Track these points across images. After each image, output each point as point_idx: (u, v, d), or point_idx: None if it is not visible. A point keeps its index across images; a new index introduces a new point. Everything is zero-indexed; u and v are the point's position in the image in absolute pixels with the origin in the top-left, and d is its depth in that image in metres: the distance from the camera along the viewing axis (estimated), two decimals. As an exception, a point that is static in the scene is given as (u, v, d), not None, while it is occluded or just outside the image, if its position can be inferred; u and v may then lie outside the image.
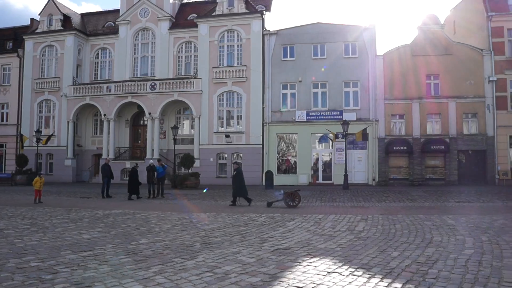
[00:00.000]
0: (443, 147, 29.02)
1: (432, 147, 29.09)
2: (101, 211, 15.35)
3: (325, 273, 6.24)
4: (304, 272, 6.34)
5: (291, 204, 15.97)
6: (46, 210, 15.52)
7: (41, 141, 33.28)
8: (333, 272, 6.29)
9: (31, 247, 8.49)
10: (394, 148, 29.44)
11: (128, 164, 34.38)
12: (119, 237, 9.66)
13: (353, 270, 6.39)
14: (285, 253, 7.72)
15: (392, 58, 30.53)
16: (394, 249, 7.87)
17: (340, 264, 6.76)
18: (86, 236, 9.89)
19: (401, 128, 30.37)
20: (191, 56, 35.25)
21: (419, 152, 29.40)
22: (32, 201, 18.81)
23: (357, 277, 6.05)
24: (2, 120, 39.33)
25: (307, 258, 7.22)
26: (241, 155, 32.15)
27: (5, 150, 39.02)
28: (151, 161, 23.30)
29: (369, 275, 6.10)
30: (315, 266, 6.66)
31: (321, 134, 30.46)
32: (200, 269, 6.60)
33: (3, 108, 39.39)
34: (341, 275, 6.15)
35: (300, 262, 6.93)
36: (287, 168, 31.89)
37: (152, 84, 33.64)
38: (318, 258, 7.22)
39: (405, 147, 29.32)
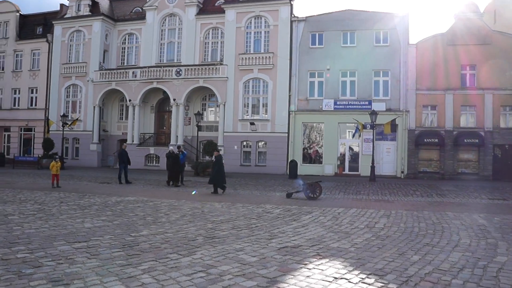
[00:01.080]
0: (477, 140, 27.56)
1: (465, 140, 27.66)
2: (115, 197, 14.96)
3: (331, 279, 5.49)
4: (308, 276, 5.61)
5: (312, 195, 15.21)
6: (61, 195, 15.23)
7: (67, 125, 33.36)
8: (341, 278, 5.53)
9: (26, 236, 8.03)
10: (425, 140, 28.13)
11: (152, 150, 34.24)
12: (121, 227, 9.14)
13: (364, 276, 5.62)
14: (292, 252, 7.00)
15: (426, 47, 29.09)
16: (414, 252, 7.03)
17: (351, 269, 5.98)
18: (88, 225, 9.41)
19: (433, 120, 29.00)
20: (217, 42, 34.59)
21: (451, 145, 28.02)
22: (50, 185, 18.60)
23: (367, 285, 5.28)
24: (32, 105, 39.77)
25: (315, 260, 6.48)
26: (265, 143, 31.44)
27: (34, 134, 39.49)
28: (171, 147, 22.86)
29: (381, 284, 5.32)
30: (322, 270, 5.91)
31: (348, 123, 29.41)
32: (193, 268, 5.96)
33: (32, 92, 39.77)
34: (349, 282, 5.39)
35: (306, 264, 6.20)
36: (313, 157, 30.99)
37: (178, 70, 33.20)
38: (327, 260, 6.47)
39: (436, 140, 27.99)
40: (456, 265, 6.22)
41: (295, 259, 6.49)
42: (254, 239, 8.00)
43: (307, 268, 5.99)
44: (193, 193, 14.60)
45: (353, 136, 29.51)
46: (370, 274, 5.73)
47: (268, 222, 10.08)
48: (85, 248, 7.17)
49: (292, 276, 5.60)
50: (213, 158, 18.38)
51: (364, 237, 8.31)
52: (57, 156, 22.10)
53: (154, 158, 34.29)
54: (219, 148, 28.20)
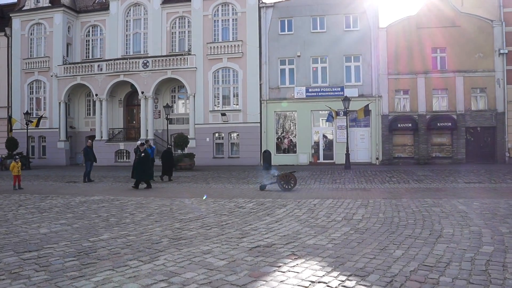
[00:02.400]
0: (450, 124, 27.54)
1: (438, 124, 27.61)
2: (80, 197, 14.10)
3: (307, 284, 4.91)
4: (282, 281, 5.01)
5: (286, 187, 14.66)
6: (21, 198, 14.27)
7: (31, 123, 31.94)
8: (319, 282, 4.95)
9: (-31, 247, 7.22)
10: (399, 125, 27.97)
11: (122, 146, 33.18)
12: (80, 231, 8.38)
13: (343, 278, 5.05)
14: (265, 252, 6.40)
15: (396, 31, 28.84)
16: (397, 246, 6.52)
17: (329, 269, 5.41)
18: (44, 230, 8.61)
19: (405, 105, 28.86)
20: (185, 32, 33.62)
21: (424, 129, 27.94)
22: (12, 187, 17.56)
23: (348, 289, 4.73)
24: (-7, 103, 38.02)
25: (289, 260, 5.89)
26: (238, 134, 30.79)
27: (-4, 134, 37.80)
28: (139, 142, 21.99)
29: (364, 287, 4.77)
30: (297, 273, 5.32)
31: (321, 111, 29.04)
32: (154, 277, 5.29)
33: (-7, 90, 38.00)
34: (328, 286, 4.81)
35: (279, 267, 5.60)
36: (287, 147, 30.49)
37: (145, 61, 32.14)
38: (303, 260, 5.88)
39: (410, 124, 27.86)
40: (442, 259, 5.73)
41: (268, 261, 5.89)
42: (224, 239, 7.37)
43: (281, 271, 5.39)
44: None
45: (328, 121, 29.03)
46: (350, 275, 5.16)
47: (240, 218, 9.46)
48: (35, 258, 6.41)
49: (264, 282, 4.99)
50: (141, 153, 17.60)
51: (342, 231, 7.77)
52: (17, 156, 20.93)
53: (125, 154, 33.25)
54: (145, 140, 26.15)
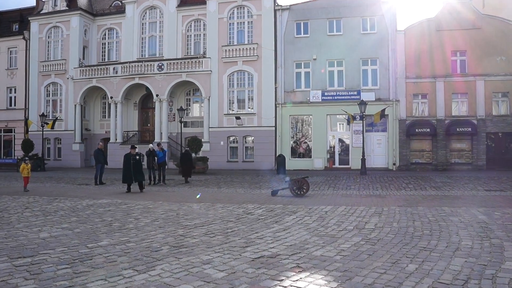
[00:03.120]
0: (470, 129, 26.74)
1: (458, 129, 26.83)
2: (87, 200, 13.90)
3: (310, 301, 4.51)
4: (282, 298, 4.62)
5: (298, 193, 14.23)
6: (29, 200, 14.13)
7: (46, 125, 32.07)
8: (322, 300, 4.55)
9: (-36, 251, 6.98)
10: (416, 130, 27.26)
11: (136, 149, 32.95)
12: (80, 236, 8.10)
13: (350, 296, 4.64)
14: (268, 263, 6.00)
15: (415, 34, 28.17)
16: (410, 260, 6.06)
17: (335, 285, 4.99)
18: (44, 234, 8.36)
19: (424, 109, 28.14)
20: (200, 34, 33.43)
21: (443, 134, 27.19)
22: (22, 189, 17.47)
23: (354, 308, 4.31)
24: (11, 105, 38.40)
25: (292, 274, 5.48)
26: (253, 138, 30.42)
27: (14, 135, 38.11)
28: (151, 145, 21.80)
29: (371, 306, 4.35)
30: (300, 288, 4.92)
31: (337, 115, 28.59)
32: (146, 290, 4.95)
33: (11, 92, 38.38)
34: (332, 305, 4.41)
35: (281, 281, 5.20)
36: (302, 151, 30.00)
37: (160, 64, 32.02)
38: (307, 274, 5.47)
39: (428, 129, 27.13)
40: (460, 276, 5.26)
41: (270, 274, 5.49)
42: (227, 248, 7.00)
43: (282, 286, 4.99)
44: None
45: (348, 123, 28.39)
46: (357, 292, 4.75)
47: (247, 225, 9.07)
48: (27, 265, 6.13)
49: (263, 299, 4.61)
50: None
51: (353, 241, 7.33)
52: (27, 158, 20.92)
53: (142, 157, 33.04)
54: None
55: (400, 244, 7.05)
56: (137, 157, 17.24)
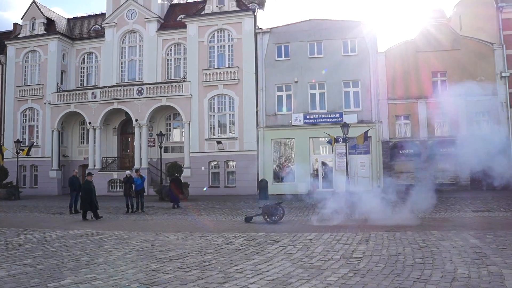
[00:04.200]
0: (452, 149, 26.53)
1: (441, 150, 26.63)
2: (58, 231, 13.09)
3: None
4: None
5: (269, 220, 13.57)
6: (-5, 232, 13.25)
7: (21, 152, 31.04)
8: None
9: None
10: (400, 151, 27.02)
11: (115, 175, 32.16)
12: (41, 274, 7.37)
13: None
14: (248, 302, 5.39)
15: (395, 55, 28.21)
16: (404, 294, 5.52)
17: (322, 329, 4.41)
18: (1, 273, 7.59)
19: (406, 130, 28.00)
20: (180, 58, 33.08)
21: (427, 155, 26.94)
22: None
23: None
24: (-15, 131, 37.23)
25: (274, 315, 4.88)
26: (235, 162, 29.83)
27: (-11, 163, 36.82)
28: (128, 171, 21.07)
29: None
30: (283, 334, 4.31)
31: (320, 138, 28.24)
32: None
33: (-15, 118, 37.28)
34: None
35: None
36: (285, 176, 29.44)
37: (139, 89, 31.45)
38: (291, 315, 4.88)
39: (411, 150, 26.89)
40: (461, 313, 4.72)
41: (249, 316, 4.88)
42: (203, 284, 6.36)
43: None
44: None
45: (330, 144, 28.01)
46: (348, 337, 4.16)
47: (226, 257, 8.43)
48: (-25, 312, 5.41)
49: None
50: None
51: (340, 273, 6.75)
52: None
53: (118, 184, 32.15)
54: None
55: (391, 275, 6.50)
56: (93, 184, 16.74)
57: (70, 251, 9.66)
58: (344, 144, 24.87)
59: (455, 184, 26.62)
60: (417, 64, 27.66)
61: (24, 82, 35.52)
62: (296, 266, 7.33)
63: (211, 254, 8.72)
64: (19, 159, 31.51)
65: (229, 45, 30.66)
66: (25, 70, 35.72)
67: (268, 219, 13.55)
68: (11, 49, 35.88)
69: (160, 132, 27.95)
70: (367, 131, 25.65)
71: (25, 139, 34.73)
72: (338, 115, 27.78)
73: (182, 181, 27.28)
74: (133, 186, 19.47)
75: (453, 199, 19.71)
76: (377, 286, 5.90)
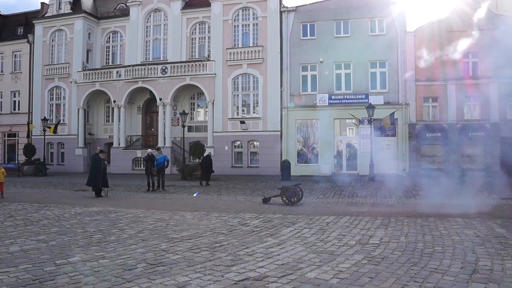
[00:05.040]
0: (483, 133, 25.69)
1: (470, 134, 25.78)
2: (77, 208, 13.18)
3: None
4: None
5: (288, 201, 13.31)
6: (18, 207, 13.42)
7: (48, 129, 31.55)
8: None
9: None
10: (427, 134, 26.24)
11: (139, 153, 32.37)
12: (52, 251, 7.33)
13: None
14: (252, 288, 5.17)
15: (425, 35, 27.22)
16: (419, 285, 5.18)
17: (326, 320, 4.15)
18: (14, 248, 7.59)
19: (435, 113, 27.15)
20: (205, 37, 32.74)
21: (455, 139, 26.11)
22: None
23: None
24: (14, 109, 38.00)
25: (278, 303, 4.65)
26: (258, 143, 29.60)
27: (18, 140, 37.67)
28: (150, 150, 21.05)
29: None
30: (284, 324, 4.08)
31: (344, 119, 27.73)
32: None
33: (15, 96, 38.00)
34: None
35: (263, 312, 4.37)
36: (309, 157, 29.07)
37: (163, 67, 31.38)
38: (296, 303, 4.63)
39: (439, 134, 26.11)
40: (479, 308, 4.39)
41: (252, 303, 4.66)
42: (210, 266, 6.17)
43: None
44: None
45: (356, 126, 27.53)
46: (353, 330, 3.89)
47: (239, 238, 8.23)
48: (-22, 287, 5.36)
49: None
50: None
51: (353, 259, 6.46)
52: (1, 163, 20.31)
53: (142, 162, 32.36)
54: (99, 148, 24.52)
55: (407, 264, 6.16)
56: (105, 162, 16.81)
57: (84, 228, 9.64)
58: (369, 125, 24.27)
59: (484, 169, 25.73)
60: (448, 44, 26.60)
61: (51, 61, 35.91)
62: (309, 251, 7.07)
63: (224, 235, 8.54)
64: (46, 136, 32.14)
65: (253, 24, 30.16)
66: (52, 49, 36.09)
67: (286, 201, 13.31)
68: (38, 28, 36.26)
69: (183, 111, 27.90)
70: (393, 113, 24.92)
71: (52, 117, 35.24)
72: (363, 96, 27.10)
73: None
74: (155, 164, 19.44)
75: (481, 185, 18.95)
76: (391, 275, 5.59)
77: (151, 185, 19.27)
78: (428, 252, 6.81)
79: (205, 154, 24.30)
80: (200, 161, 24.30)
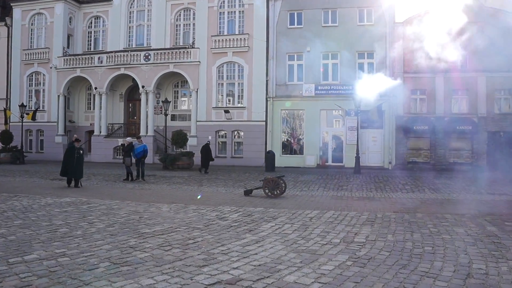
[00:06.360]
0: (470, 127, 25.44)
1: (457, 127, 25.48)
2: (49, 198, 12.46)
3: None
4: None
5: (270, 194, 12.77)
6: (-16, 197, 12.66)
7: (26, 116, 30.52)
8: None
9: None
10: (414, 127, 25.88)
11: (120, 142, 31.48)
12: (9, 247, 6.66)
13: None
14: (223, 294, 4.60)
15: (414, 26, 26.70)
16: (409, 292, 4.67)
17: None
18: (-33, 244, 6.91)
19: (422, 106, 26.80)
20: (189, 24, 31.85)
21: (442, 132, 25.80)
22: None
23: None
24: (-8, 94, 36.77)
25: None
26: (242, 133, 29.00)
27: (-5, 126, 36.46)
28: (129, 138, 20.33)
29: None
30: None
31: (331, 111, 27.25)
32: None
33: (-7, 81, 36.75)
34: None
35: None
36: (294, 148, 28.57)
37: (146, 54, 30.49)
38: (271, 313, 4.07)
39: (426, 127, 25.77)
40: (477, 320, 3.87)
41: (221, 312, 4.09)
42: (179, 267, 5.58)
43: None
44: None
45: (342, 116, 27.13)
46: None
47: (215, 234, 7.65)
48: None
49: None
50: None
51: (337, 260, 5.92)
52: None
53: (122, 151, 31.56)
54: (75, 136, 23.06)
55: (396, 266, 5.63)
56: (81, 151, 16.00)
57: (51, 220, 8.97)
58: (356, 117, 23.80)
59: (471, 164, 25.52)
60: (437, 36, 26.16)
61: (31, 46, 34.73)
62: (289, 250, 6.52)
63: (199, 230, 7.95)
64: (25, 123, 31.11)
65: (239, 11, 29.41)
66: (31, 33, 34.88)
67: (269, 193, 12.77)
68: (17, 11, 34.95)
69: (166, 99, 27.13)
70: (381, 104, 24.50)
71: (31, 103, 34.17)
72: (351, 87, 26.56)
73: (188, 150, 26.75)
74: (132, 153, 18.72)
75: (468, 180, 18.67)
76: (378, 279, 5.06)
77: (129, 174, 18.58)
78: (417, 253, 6.30)
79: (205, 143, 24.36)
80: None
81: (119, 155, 31.62)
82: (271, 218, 9.27)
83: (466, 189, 15.34)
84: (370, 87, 21.44)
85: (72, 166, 15.54)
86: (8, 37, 35.47)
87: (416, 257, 6.05)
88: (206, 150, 23.08)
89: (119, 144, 19.61)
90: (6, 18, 35.46)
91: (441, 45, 25.86)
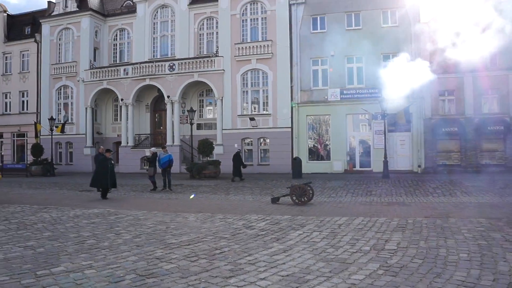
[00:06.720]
0: (502, 127, 24.67)
1: (488, 128, 24.76)
2: (77, 210, 12.60)
3: None
4: None
5: (298, 201, 12.57)
6: (16, 209, 12.87)
7: (55, 129, 31.19)
8: None
9: None
10: (443, 129, 25.27)
11: (148, 152, 31.71)
12: (37, 260, 6.70)
13: None
14: (251, 306, 4.47)
15: (440, 26, 26.16)
16: (445, 303, 4.45)
17: None
18: (-2, 256, 6.99)
19: (451, 107, 26.16)
20: (213, 33, 32.08)
21: (473, 133, 25.11)
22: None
23: None
24: (23, 109, 37.83)
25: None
26: (268, 140, 28.89)
27: (27, 140, 37.40)
28: (153, 148, 20.45)
29: None
30: None
31: (357, 115, 26.91)
32: None
33: (23, 96, 37.81)
34: None
35: None
36: (321, 154, 28.27)
37: (171, 64, 30.79)
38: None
39: (456, 128, 25.14)
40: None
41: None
42: (206, 278, 5.48)
43: None
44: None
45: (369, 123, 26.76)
46: None
47: (242, 244, 7.53)
48: None
49: None
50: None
51: (368, 269, 5.71)
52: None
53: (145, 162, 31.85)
54: (102, 147, 22.86)
55: (430, 274, 5.39)
56: (112, 161, 16.10)
57: (79, 232, 9.03)
58: (383, 121, 23.39)
59: (504, 165, 24.73)
60: (464, 35, 25.55)
61: (59, 60, 35.62)
62: (318, 258, 6.34)
63: (226, 240, 7.85)
64: (54, 136, 31.82)
65: (262, 18, 29.42)
66: (59, 48, 35.79)
67: (296, 200, 12.59)
68: (45, 27, 35.96)
69: (191, 108, 27.27)
70: (408, 107, 24.03)
71: (60, 116, 34.94)
72: (376, 91, 26.17)
73: (214, 159, 26.77)
74: (157, 164, 18.82)
75: (501, 182, 18.05)
76: (412, 289, 4.84)
77: (155, 184, 18.68)
78: (452, 260, 6.03)
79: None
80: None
81: (146, 165, 31.93)
82: (299, 226, 9.10)
83: (500, 191, 14.81)
84: (397, 90, 21.00)
85: (106, 177, 15.67)
86: (37, 52, 36.50)
87: (451, 265, 5.78)
88: (237, 158, 23.50)
89: (145, 155, 19.68)
90: (36, 34, 36.46)
91: (469, 43, 25.28)
